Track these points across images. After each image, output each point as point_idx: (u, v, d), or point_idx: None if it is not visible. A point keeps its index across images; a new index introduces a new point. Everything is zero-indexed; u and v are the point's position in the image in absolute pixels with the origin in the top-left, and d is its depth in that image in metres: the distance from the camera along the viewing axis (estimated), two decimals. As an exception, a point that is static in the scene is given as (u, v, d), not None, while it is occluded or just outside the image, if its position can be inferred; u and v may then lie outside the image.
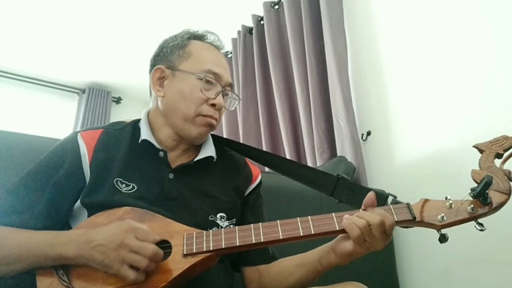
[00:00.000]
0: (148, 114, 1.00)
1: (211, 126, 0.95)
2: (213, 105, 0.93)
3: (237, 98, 1.04)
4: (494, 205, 0.74)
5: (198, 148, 0.99)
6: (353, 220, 0.74)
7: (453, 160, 1.57)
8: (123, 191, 0.85)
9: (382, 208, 0.79)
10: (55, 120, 4.12)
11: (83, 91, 4.39)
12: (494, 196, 0.75)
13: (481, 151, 0.82)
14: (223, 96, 0.96)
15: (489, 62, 1.52)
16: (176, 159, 0.96)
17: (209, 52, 0.98)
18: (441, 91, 1.67)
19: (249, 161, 1.07)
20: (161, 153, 0.92)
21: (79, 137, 0.91)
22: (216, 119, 0.95)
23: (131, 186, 0.87)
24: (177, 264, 0.74)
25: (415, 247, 1.67)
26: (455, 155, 1.56)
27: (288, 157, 2.30)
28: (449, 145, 1.60)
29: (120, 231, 0.71)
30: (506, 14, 1.49)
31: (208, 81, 0.92)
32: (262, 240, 0.76)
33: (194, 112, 0.92)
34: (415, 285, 1.66)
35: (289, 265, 0.90)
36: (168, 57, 0.97)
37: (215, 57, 0.98)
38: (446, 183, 1.55)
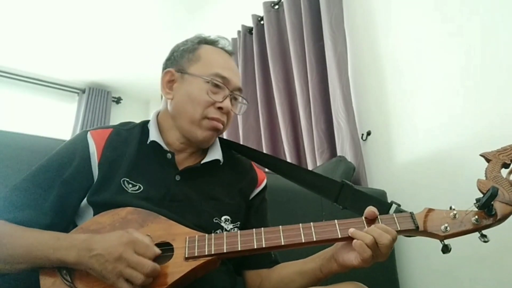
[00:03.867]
0: (157, 115, 1.00)
1: (217, 130, 0.95)
2: (220, 108, 0.93)
3: (246, 103, 1.04)
4: (499, 217, 0.73)
5: (205, 150, 1.00)
6: (362, 238, 0.73)
7: (452, 160, 1.57)
8: (129, 191, 0.86)
9: (385, 216, 0.78)
10: (55, 120, 4.12)
11: (83, 91, 4.39)
12: (499, 207, 0.73)
13: (488, 160, 0.80)
14: (231, 100, 0.96)
15: (490, 63, 1.52)
16: (184, 161, 0.96)
17: (218, 56, 0.98)
18: (441, 91, 1.67)
19: (255, 165, 1.08)
20: (169, 155, 0.92)
21: (89, 135, 0.91)
22: (223, 123, 0.94)
23: (137, 187, 0.87)
24: (179, 267, 0.74)
25: (415, 248, 1.67)
26: (455, 155, 1.56)
27: (288, 157, 2.30)
28: (449, 145, 1.60)
29: (120, 243, 0.71)
30: (506, 14, 1.49)
31: (215, 85, 0.93)
32: (263, 246, 0.76)
33: (201, 114, 0.92)
34: (415, 285, 1.66)
35: (290, 272, 0.90)
36: (178, 61, 0.97)
37: (224, 61, 0.98)
38: (445, 183, 1.55)
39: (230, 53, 1.02)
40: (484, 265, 1.43)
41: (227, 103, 0.93)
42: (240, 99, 1.01)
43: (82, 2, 2.99)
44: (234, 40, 3.02)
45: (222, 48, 1.01)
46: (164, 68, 1.00)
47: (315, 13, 2.27)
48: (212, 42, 1.00)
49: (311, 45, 2.22)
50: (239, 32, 2.94)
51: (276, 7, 2.63)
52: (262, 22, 2.74)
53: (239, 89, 0.99)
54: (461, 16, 1.64)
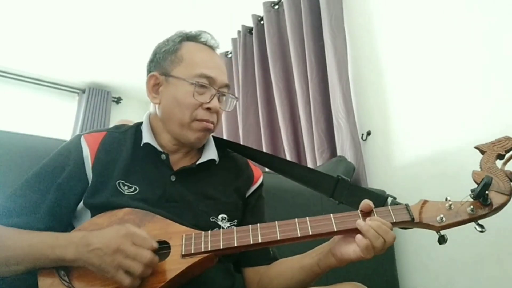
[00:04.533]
0: (149, 117, 1.00)
1: (208, 130, 0.94)
2: (208, 109, 0.92)
3: (235, 98, 1.02)
4: (494, 206, 0.74)
5: (200, 149, 0.99)
6: (372, 239, 0.72)
7: (453, 160, 1.57)
8: (125, 193, 0.86)
9: (380, 209, 0.78)
10: (55, 120, 4.12)
11: (83, 91, 4.39)
12: (495, 197, 0.74)
13: (482, 152, 0.81)
14: (219, 97, 0.95)
15: (490, 62, 1.52)
16: (178, 161, 0.96)
17: (201, 54, 0.96)
18: (441, 91, 1.67)
19: (251, 163, 1.07)
20: (163, 156, 0.92)
21: (82, 139, 0.92)
22: (213, 123, 0.94)
23: (133, 188, 0.87)
24: (176, 264, 0.74)
25: (415, 247, 1.67)
26: (455, 155, 1.56)
27: (288, 157, 2.30)
28: (449, 145, 1.60)
29: (118, 236, 0.71)
30: (505, 15, 1.49)
31: (201, 85, 0.91)
32: (260, 241, 0.76)
33: (189, 117, 0.91)
34: (415, 285, 1.66)
35: (288, 268, 0.90)
36: (161, 63, 0.96)
37: (208, 59, 0.96)
38: (446, 183, 1.55)
39: (213, 48, 0.99)
40: (485, 265, 1.43)
41: (215, 103, 0.92)
42: (227, 94, 0.98)
43: (82, 3, 2.99)
44: (234, 40, 3.02)
45: (205, 43, 0.98)
46: (148, 71, 0.98)
47: (315, 13, 2.27)
48: (193, 38, 0.98)
49: (311, 45, 2.22)
50: (239, 32, 2.94)
51: (276, 7, 2.63)
52: (262, 22, 2.74)
53: (226, 85, 0.96)
54: (461, 16, 1.64)
